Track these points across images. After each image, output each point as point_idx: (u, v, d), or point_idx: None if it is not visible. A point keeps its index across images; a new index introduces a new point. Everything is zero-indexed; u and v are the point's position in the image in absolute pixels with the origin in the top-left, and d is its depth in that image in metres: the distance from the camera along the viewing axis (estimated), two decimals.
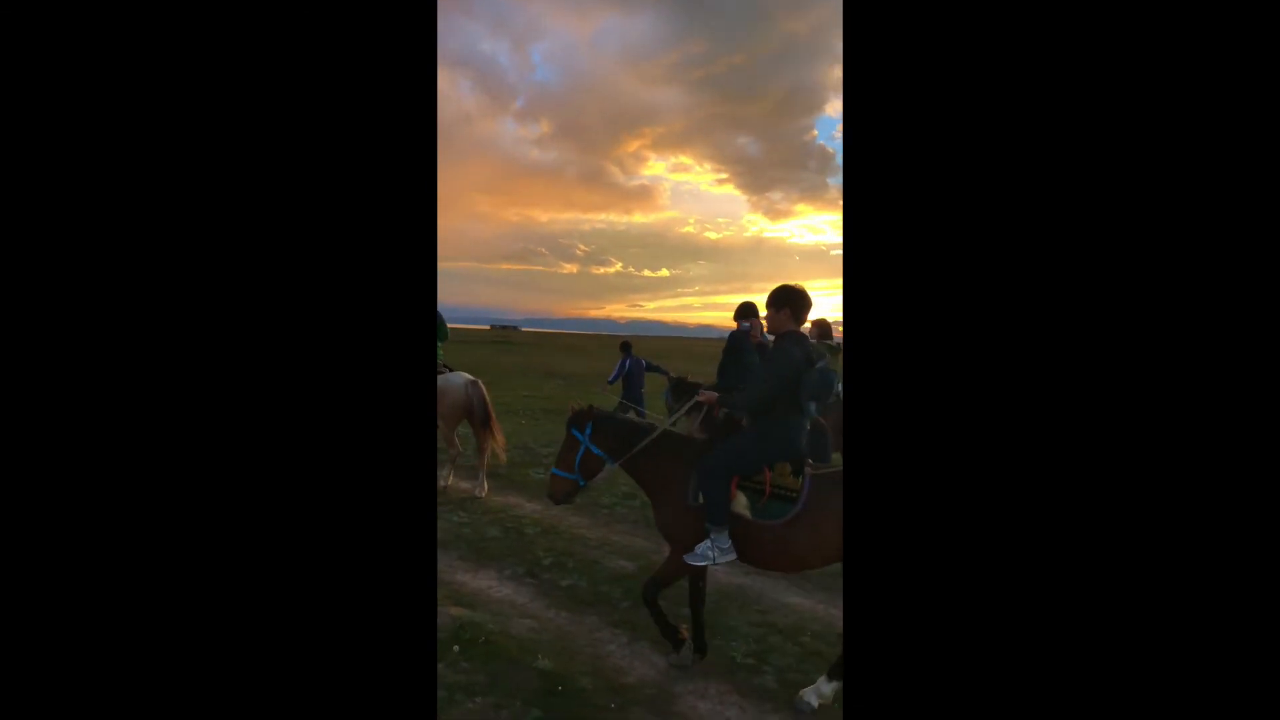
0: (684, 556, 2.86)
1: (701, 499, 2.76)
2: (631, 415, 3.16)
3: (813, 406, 2.82)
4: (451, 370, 5.64)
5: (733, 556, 2.79)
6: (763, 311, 3.09)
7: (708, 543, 2.78)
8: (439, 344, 5.52)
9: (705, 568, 2.93)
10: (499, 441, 5.53)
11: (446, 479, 5.60)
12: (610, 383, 7.67)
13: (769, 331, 2.88)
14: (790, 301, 2.81)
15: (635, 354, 7.57)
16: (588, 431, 3.10)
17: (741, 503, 2.79)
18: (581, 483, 3.12)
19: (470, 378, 5.56)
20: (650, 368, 7.50)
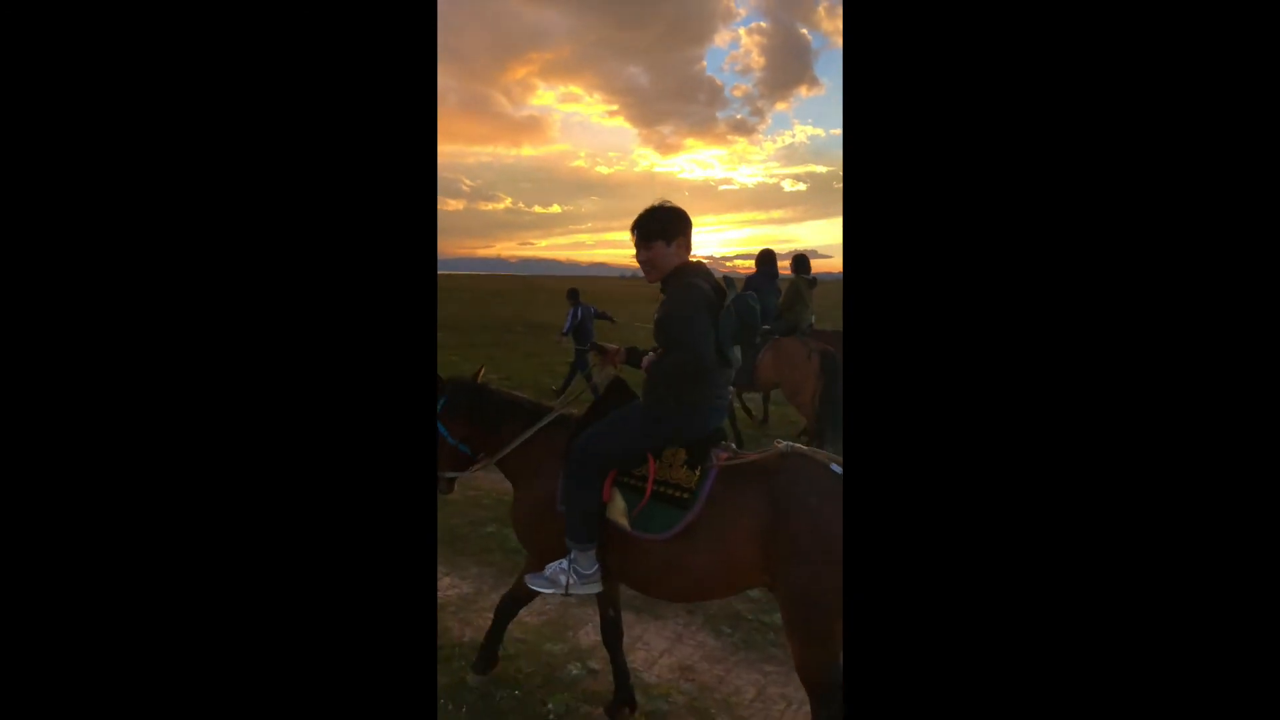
0: (526, 578, 2.13)
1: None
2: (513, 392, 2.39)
3: (736, 352, 2.06)
4: None
5: (597, 587, 2.01)
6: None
7: (561, 564, 2.01)
8: None
9: (615, 592, 2.22)
10: None
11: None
12: (564, 335, 7.11)
13: (656, 268, 2.03)
14: (682, 226, 2.01)
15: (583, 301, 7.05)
16: (440, 411, 2.22)
17: (619, 507, 1.97)
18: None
19: None
20: (599, 315, 7.02)
